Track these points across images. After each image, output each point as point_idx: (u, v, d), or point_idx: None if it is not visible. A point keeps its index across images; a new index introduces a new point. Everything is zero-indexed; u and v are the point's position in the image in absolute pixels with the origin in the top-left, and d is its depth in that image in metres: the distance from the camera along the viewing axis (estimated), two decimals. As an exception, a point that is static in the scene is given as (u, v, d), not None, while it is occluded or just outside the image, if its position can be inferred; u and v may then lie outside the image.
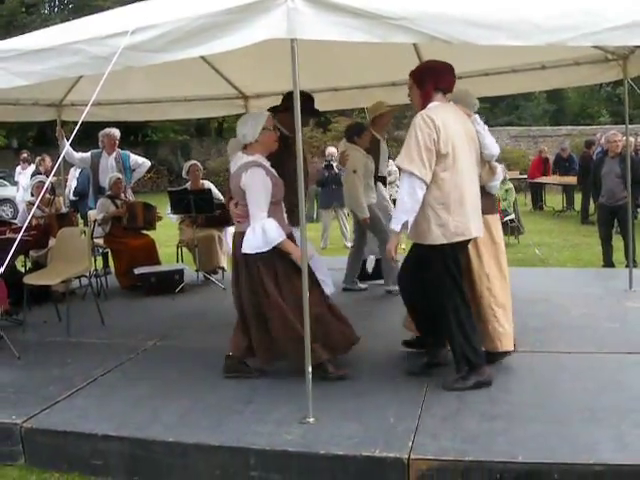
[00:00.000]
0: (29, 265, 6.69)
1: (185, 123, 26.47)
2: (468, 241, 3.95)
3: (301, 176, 3.57)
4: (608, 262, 8.12)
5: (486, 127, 4.15)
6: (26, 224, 4.06)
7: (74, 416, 3.81)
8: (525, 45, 3.69)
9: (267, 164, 4.12)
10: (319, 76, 6.69)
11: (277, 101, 8.14)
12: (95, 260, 7.06)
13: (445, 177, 3.77)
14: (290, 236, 4.12)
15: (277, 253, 4.01)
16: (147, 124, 26.01)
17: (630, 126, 19.61)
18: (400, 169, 3.88)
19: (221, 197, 7.64)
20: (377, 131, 6.52)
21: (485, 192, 4.23)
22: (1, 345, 4.99)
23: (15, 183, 13.87)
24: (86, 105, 8.20)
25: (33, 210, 4.33)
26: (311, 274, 4.05)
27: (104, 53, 3.62)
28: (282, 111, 4.70)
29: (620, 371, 4.17)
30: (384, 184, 6.77)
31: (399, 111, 7.29)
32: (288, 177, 4.12)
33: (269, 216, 3.98)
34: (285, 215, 4.22)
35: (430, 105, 3.87)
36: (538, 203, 15.66)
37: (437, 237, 3.78)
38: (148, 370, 4.54)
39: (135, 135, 30.25)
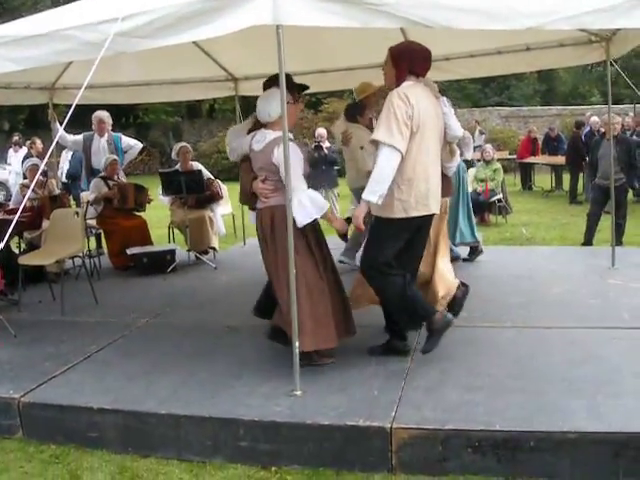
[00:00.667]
0: (23, 246, 6.80)
1: (176, 105, 26.36)
2: (426, 217, 4.04)
3: (288, 157, 3.69)
4: (588, 241, 8.27)
5: (452, 110, 4.27)
6: (22, 206, 4.15)
7: (70, 391, 3.94)
8: (505, 29, 3.82)
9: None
10: (307, 58, 6.77)
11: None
12: (88, 241, 7.17)
13: (412, 154, 3.88)
14: None
15: (309, 228, 4.10)
16: (138, 106, 25.92)
17: (620, 106, 19.62)
18: (378, 142, 3.87)
19: (211, 176, 7.78)
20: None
21: (442, 174, 4.33)
22: (-1, 324, 5.12)
23: (9, 165, 13.88)
24: (78, 88, 8.25)
25: (29, 193, 4.41)
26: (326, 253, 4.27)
27: (96, 39, 3.70)
28: None
29: (599, 345, 4.32)
30: None
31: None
32: None
33: None
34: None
35: (404, 84, 3.97)
36: (527, 183, 15.80)
37: (398, 211, 3.90)
38: (141, 346, 4.67)
39: (127, 117, 30.11)
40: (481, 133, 19.82)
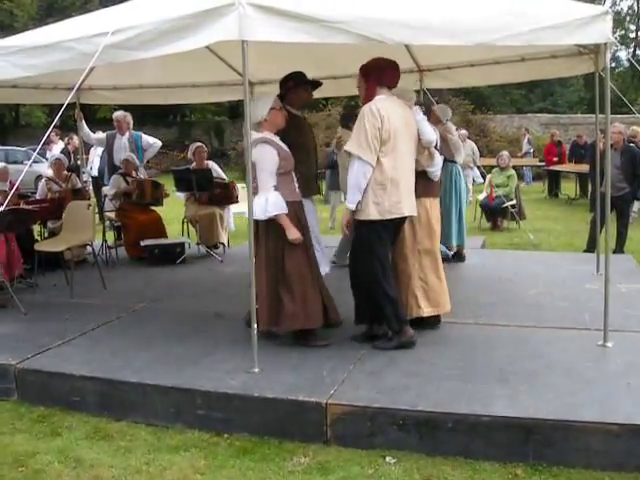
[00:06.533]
0: (45, 235, 7.41)
1: (220, 105, 27.11)
2: (401, 219, 4.43)
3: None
4: (590, 248, 8.42)
5: (425, 117, 4.66)
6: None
7: (60, 361, 4.45)
8: (456, 45, 4.17)
9: (275, 139, 4.55)
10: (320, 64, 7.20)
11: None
12: (104, 233, 7.74)
13: (384, 161, 4.27)
14: (298, 204, 4.60)
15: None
16: (186, 105, 26.71)
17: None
18: (349, 153, 4.36)
19: (223, 176, 8.27)
20: None
21: (427, 177, 4.73)
22: (13, 304, 5.66)
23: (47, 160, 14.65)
24: (103, 89, 8.77)
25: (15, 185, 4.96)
26: (308, 250, 4.60)
27: (90, 50, 4.22)
28: (286, 94, 5.25)
29: (547, 343, 4.60)
30: None
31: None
32: (296, 151, 4.74)
33: (279, 185, 4.42)
34: (296, 184, 4.65)
35: (376, 98, 4.36)
36: (553, 190, 15.84)
37: (372, 213, 4.29)
38: (132, 327, 5.16)
39: (174, 115, 31.04)
40: (529, 142, 20.08)
